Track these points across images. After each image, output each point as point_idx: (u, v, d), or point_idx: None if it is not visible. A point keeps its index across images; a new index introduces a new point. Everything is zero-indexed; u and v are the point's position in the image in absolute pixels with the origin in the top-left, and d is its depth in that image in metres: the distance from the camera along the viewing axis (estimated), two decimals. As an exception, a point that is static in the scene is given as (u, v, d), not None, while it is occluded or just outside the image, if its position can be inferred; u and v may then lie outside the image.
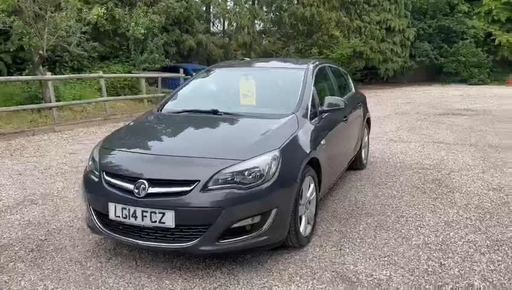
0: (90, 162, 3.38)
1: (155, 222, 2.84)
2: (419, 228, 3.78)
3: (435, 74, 29.02)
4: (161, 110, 4.13)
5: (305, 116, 3.68)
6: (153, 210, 2.84)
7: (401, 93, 21.43)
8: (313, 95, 3.95)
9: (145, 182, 2.89)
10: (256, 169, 2.91)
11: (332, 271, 3.02)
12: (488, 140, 8.16)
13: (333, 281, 2.88)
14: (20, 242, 3.55)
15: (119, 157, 3.25)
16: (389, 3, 26.22)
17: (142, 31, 15.22)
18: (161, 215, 2.82)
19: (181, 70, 15.01)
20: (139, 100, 13.83)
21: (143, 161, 3.12)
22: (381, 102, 16.31)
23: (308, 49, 24.27)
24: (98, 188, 3.11)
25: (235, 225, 2.85)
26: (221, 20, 23.72)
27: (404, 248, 3.40)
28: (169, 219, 2.82)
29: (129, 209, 2.90)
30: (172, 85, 16.06)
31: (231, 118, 3.72)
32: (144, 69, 16.04)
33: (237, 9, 21.46)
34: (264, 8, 24.21)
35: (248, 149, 3.07)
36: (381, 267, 3.07)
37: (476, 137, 8.50)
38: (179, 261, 3.17)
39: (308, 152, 3.39)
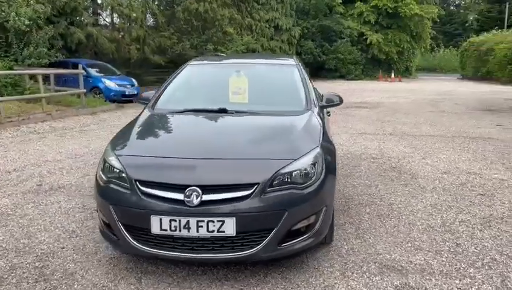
0: (107, 173, 2.93)
1: (213, 231, 2.61)
2: (414, 213, 4.08)
3: (317, 71, 31.11)
4: (153, 109, 3.77)
5: (316, 112, 3.69)
6: (210, 219, 2.59)
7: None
8: (315, 91, 3.99)
9: (197, 189, 2.62)
10: (308, 167, 2.85)
11: (375, 262, 3.10)
12: (401, 129, 9.07)
13: (383, 272, 2.96)
14: (12, 273, 2.95)
15: (154, 165, 2.89)
16: (276, 2, 27.36)
17: (27, 22, 13.58)
18: (220, 223, 2.60)
19: (80, 66, 13.72)
20: (34, 100, 12.29)
21: (186, 166, 2.81)
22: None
23: (203, 45, 24.11)
24: (131, 200, 2.73)
25: (294, 227, 2.76)
26: (111, 12, 22.22)
27: (416, 232, 3.64)
28: (229, 227, 2.60)
29: (180, 220, 2.61)
30: (68, 83, 14.63)
31: (248, 116, 3.57)
32: (29, 65, 14.30)
33: (129, 1, 20.30)
34: (156, 2, 23.36)
35: (294, 148, 2.98)
36: (412, 253, 3.25)
37: (389, 127, 9.39)
38: (220, 271, 2.95)
39: (333, 146, 3.43)
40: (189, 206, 2.60)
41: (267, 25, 27.02)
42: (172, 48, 23.39)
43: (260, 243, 2.67)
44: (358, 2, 31.07)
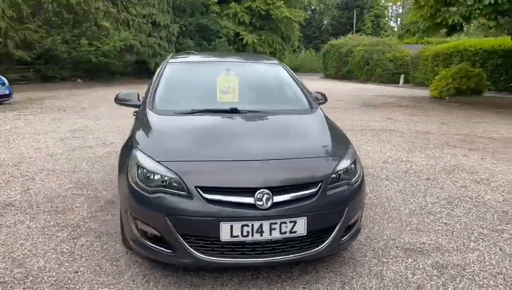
0: (150, 182, 2.65)
1: (285, 233, 2.57)
2: (391, 200, 4.50)
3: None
4: (155, 111, 3.47)
5: (321, 110, 3.82)
6: (283, 220, 2.55)
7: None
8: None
9: (267, 191, 2.55)
10: (352, 164, 2.97)
11: (397, 247, 3.37)
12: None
13: (410, 255, 3.22)
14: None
15: (210, 169, 2.69)
16: (153, -3, 26.54)
17: None
18: (292, 224, 2.57)
19: None
20: None
21: (246, 169, 2.69)
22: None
23: (75, 40, 22.22)
24: (193, 209, 2.53)
25: (350, 222, 2.87)
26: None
27: (405, 217, 4.03)
28: (301, 227, 2.60)
29: (252, 225, 2.51)
30: None
31: (263, 116, 3.53)
32: None
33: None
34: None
35: (335, 146, 3.09)
36: (417, 235, 3.61)
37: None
38: (271, 273, 2.91)
39: None
40: (262, 209, 2.52)
41: (145, 21, 26.05)
42: (40, 42, 21.06)
43: (325, 240, 2.72)
44: (233, 3, 31.87)
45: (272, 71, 4.37)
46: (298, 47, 38.31)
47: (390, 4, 63.91)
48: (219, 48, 30.41)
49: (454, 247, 3.40)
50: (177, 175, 2.60)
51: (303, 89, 4.03)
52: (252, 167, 2.71)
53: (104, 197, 4.48)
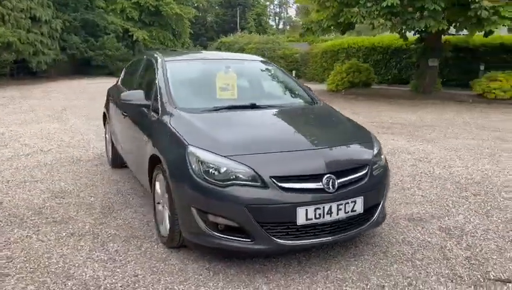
0: (221, 175, 2.76)
1: (348, 212, 2.89)
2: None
3: (84, 67, 29.19)
4: (179, 109, 3.48)
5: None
6: (346, 201, 2.87)
7: (67, 85, 20.60)
8: None
9: (333, 176, 2.84)
10: (379, 149, 3.39)
11: (409, 219, 3.85)
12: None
13: (424, 225, 3.72)
14: None
15: (277, 160, 2.87)
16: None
17: None
18: (353, 203, 2.90)
19: None
20: None
21: (308, 157, 2.93)
22: (74, 95, 15.57)
23: None
24: (271, 197, 2.70)
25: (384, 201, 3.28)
26: None
27: (396, 194, 4.61)
28: (359, 205, 2.94)
29: (323, 207, 2.78)
30: None
31: (286, 109, 3.79)
32: None
33: None
34: None
35: (362, 134, 3.45)
36: (418, 207, 4.19)
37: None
38: (313, 254, 3.20)
39: None
40: (330, 193, 2.80)
41: (23, 16, 23.57)
42: None
43: (374, 215, 3.09)
44: (119, -2, 30.53)
45: (267, 68, 4.59)
46: (189, 44, 38.12)
47: (268, 3, 66.95)
48: (107, 44, 28.92)
49: (443, 213, 4.04)
50: (251, 168, 2.74)
51: (299, 84, 4.34)
52: (312, 155, 2.96)
53: (96, 203, 4.27)
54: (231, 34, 38.84)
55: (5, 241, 3.39)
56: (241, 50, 32.01)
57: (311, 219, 2.75)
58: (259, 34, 40.46)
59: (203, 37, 56.04)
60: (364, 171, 3.02)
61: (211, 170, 2.80)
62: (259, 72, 4.53)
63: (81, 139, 7.53)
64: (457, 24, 13.00)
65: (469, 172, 5.43)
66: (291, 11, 75.10)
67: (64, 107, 12.18)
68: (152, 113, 3.69)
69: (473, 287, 2.75)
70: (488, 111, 11.68)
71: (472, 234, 3.56)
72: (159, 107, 3.59)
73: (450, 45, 16.42)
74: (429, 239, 3.45)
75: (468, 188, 4.79)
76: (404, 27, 12.83)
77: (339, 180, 2.85)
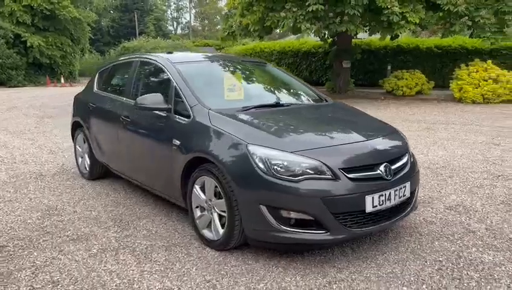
0: (291, 170, 2.82)
1: (401, 197, 3.12)
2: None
3: (-32, 77, 25.98)
4: (213, 110, 3.43)
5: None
6: (400, 186, 3.10)
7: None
8: None
9: (388, 164, 3.06)
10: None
11: (451, 210, 4.22)
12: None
13: (468, 214, 4.02)
14: None
15: (339, 152, 2.98)
16: None
17: None
18: (403, 189, 3.15)
19: None
20: None
21: (363, 148, 3.09)
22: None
23: None
24: (342, 188, 2.83)
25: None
26: None
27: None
28: (407, 190, 3.19)
29: (385, 194, 2.99)
30: None
31: (307, 106, 3.96)
32: None
33: None
34: None
35: (387, 126, 3.71)
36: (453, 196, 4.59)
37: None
38: (358, 244, 3.40)
39: None
40: (388, 180, 3.01)
41: None
42: None
43: (413, 200, 3.37)
44: (7, 0, 27.69)
45: (270, 69, 4.66)
46: (89, 50, 35.83)
47: (164, 7, 65.93)
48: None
49: (438, 195, 4.50)
50: (320, 161, 2.84)
51: (304, 83, 4.50)
52: (367, 145, 3.14)
53: (103, 217, 3.98)
54: (133, 39, 37.54)
55: (31, 265, 3.03)
56: (148, 55, 31.14)
57: (376, 206, 2.93)
58: (158, 38, 39.67)
59: (99, 42, 53.31)
60: (406, 158, 3.29)
61: (280, 167, 2.83)
62: (264, 73, 4.60)
63: (24, 154, 6.81)
64: (370, 28, 14.20)
65: (429, 159, 6.06)
66: (189, 16, 74.78)
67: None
68: (176, 116, 3.57)
69: (508, 252, 3.15)
70: (401, 106, 12.97)
71: (475, 209, 4.03)
72: (188, 109, 3.48)
73: (359, 47, 17.84)
74: (445, 217, 3.84)
75: (440, 172, 5.37)
76: (326, 31, 13.65)
77: (392, 168, 3.08)
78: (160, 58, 4.17)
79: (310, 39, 20.13)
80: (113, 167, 4.67)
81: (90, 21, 31.75)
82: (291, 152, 2.88)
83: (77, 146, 5.39)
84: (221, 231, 3.14)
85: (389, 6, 12.38)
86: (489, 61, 14.19)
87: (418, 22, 12.79)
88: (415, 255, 3.12)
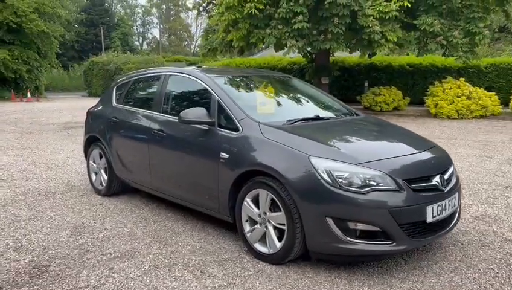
0: (354, 182, 2.86)
1: (452, 207, 3.23)
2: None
3: None
4: (263, 123, 3.44)
5: None
6: (452, 197, 3.21)
7: None
8: None
9: (442, 175, 3.16)
10: None
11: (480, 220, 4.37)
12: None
13: (497, 223, 4.21)
14: None
15: (400, 164, 3.07)
16: None
17: None
18: (454, 199, 3.25)
19: None
20: None
21: (417, 160, 3.18)
22: None
23: None
24: (407, 199, 2.90)
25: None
26: None
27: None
28: (457, 201, 3.31)
29: (442, 204, 3.08)
30: None
31: (346, 120, 4.02)
32: None
33: None
34: None
35: (425, 139, 3.82)
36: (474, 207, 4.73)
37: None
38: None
39: None
40: (443, 191, 3.11)
41: None
42: None
43: (458, 210, 3.47)
44: (-29, 12, 26.66)
45: (296, 83, 4.72)
46: (56, 64, 34.79)
47: (132, 23, 65.27)
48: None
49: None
50: (386, 173, 2.90)
51: (332, 97, 4.58)
52: (422, 157, 3.25)
53: (138, 233, 3.88)
54: (101, 53, 36.88)
55: (86, 285, 2.90)
56: (119, 70, 30.68)
57: (435, 216, 3.02)
58: (128, 53, 39.18)
59: (63, 56, 51.99)
60: (452, 170, 3.41)
61: (344, 179, 2.87)
62: (291, 86, 4.65)
63: (20, 171, 6.52)
64: (352, 46, 14.63)
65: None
66: (155, 32, 74.36)
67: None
68: (222, 130, 3.55)
69: (552, 257, 3.31)
70: (385, 121, 13.35)
71: (501, 219, 4.21)
72: (236, 123, 3.48)
73: (337, 65, 18.31)
74: (477, 227, 3.99)
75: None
76: (309, 48, 13.95)
77: (445, 178, 3.18)
78: (195, 72, 4.16)
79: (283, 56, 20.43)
80: (139, 182, 4.56)
81: (58, 35, 30.94)
82: (356, 164, 2.93)
83: (91, 162, 5.22)
84: (278, 244, 3.13)
85: (370, 25, 12.81)
86: (462, 78, 14.93)
87: (396, 40, 13.29)
88: (466, 264, 3.21)
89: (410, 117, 14.61)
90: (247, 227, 3.37)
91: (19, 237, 3.78)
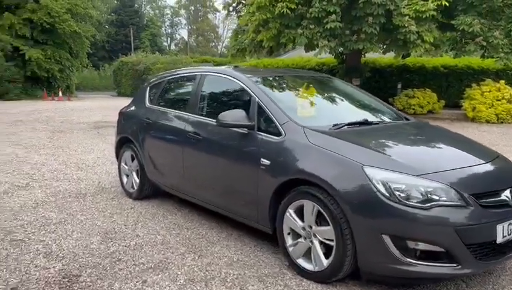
0: (412, 197, 2.56)
1: (516, 224, 2.87)
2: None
3: (-36, 90, 25.41)
4: (308, 127, 3.17)
5: None
6: (518, 214, 2.85)
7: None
8: None
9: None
10: None
11: None
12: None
13: None
14: None
15: (466, 176, 2.74)
16: None
17: None
18: (520, 215, 2.90)
19: None
20: None
21: (483, 172, 2.87)
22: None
23: None
24: (474, 216, 2.58)
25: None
26: None
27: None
28: (523, 217, 2.95)
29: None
30: None
31: (399, 125, 3.72)
32: None
33: None
34: None
35: (485, 147, 3.47)
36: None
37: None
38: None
39: None
40: None
41: None
42: None
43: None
44: (7, 13, 27.31)
45: (338, 84, 4.44)
46: (87, 64, 35.40)
47: (161, 24, 66.01)
48: (-5, 63, 25.58)
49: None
50: (450, 186, 2.59)
51: (378, 100, 4.27)
52: (488, 169, 2.92)
53: (171, 242, 3.67)
54: (130, 54, 37.32)
55: (119, 299, 2.70)
56: (148, 70, 30.92)
57: (506, 236, 2.68)
58: (154, 53, 39.39)
59: (94, 56, 53.01)
60: None
61: (403, 192, 2.57)
62: (333, 88, 4.35)
63: (51, 171, 6.45)
64: (386, 46, 14.17)
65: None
66: (183, 32, 74.99)
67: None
68: (262, 134, 3.30)
69: None
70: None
71: None
72: (278, 127, 3.22)
73: (368, 66, 17.84)
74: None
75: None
76: (341, 48, 13.58)
77: None
78: (232, 71, 3.93)
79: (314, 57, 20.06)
80: (171, 186, 4.37)
81: (89, 35, 31.43)
82: (416, 175, 2.63)
83: (122, 164, 5.07)
84: (324, 261, 2.85)
85: (406, 25, 12.34)
86: (502, 81, 14.24)
87: (432, 41, 12.78)
88: (535, 287, 2.86)
89: (446, 121, 14.02)
90: (289, 240, 3.11)
91: (49, 242, 3.63)
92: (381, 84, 18.80)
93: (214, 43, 74.53)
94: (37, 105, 21.64)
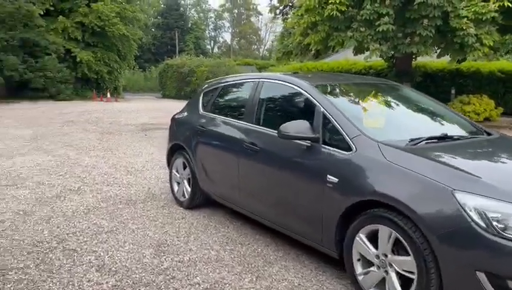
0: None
1: None
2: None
3: (20, 90, 26.59)
4: (382, 142, 2.86)
5: None
6: None
7: (15, 113, 18.46)
8: None
9: None
10: None
11: None
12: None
13: None
14: None
15: None
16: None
17: None
18: None
19: None
20: None
21: None
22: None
23: None
24: None
25: None
26: None
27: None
28: None
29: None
30: None
31: (483, 140, 3.35)
32: None
33: None
34: None
35: None
36: None
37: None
38: None
39: None
40: None
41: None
42: None
43: None
44: (61, 17, 28.42)
45: (406, 92, 4.09)
46: (134, 66, 36.34)
47: (205, 27, 66.91)
48: (48, 65, 26.63)
49: None
50: None
51: (452, 111, 3.90)
52: None
53: (226, 258, 3.45)
54: (175, 56, 37.91)
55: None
56: (192, 72, 31.28)
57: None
58: (198, 56, 39.75)
59: (140, 58, 54.38)
60: None
61: (501, 222, 2.23)
62: (401, 96, 4.00)
63: (101, 174, 6.43)
64: (441, 50, 13.48)
65: None
66: (226, 35, 75.70)
67: (34, 137, 10.63)
68: (329, 147, 3.02)
69: None
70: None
71: None
72: (348, 140, 2.94)
73: (420, 70, 17.12)
74: None
75: None
76: (393, 52, 13.04)
77: None
78: (293, 78, 3.67)
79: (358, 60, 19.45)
80: (224, 196, 4.18)
81: (136, 38, 32.20)
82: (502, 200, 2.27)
83: (174, 171, 4.93)
84: (407, 295, 2.53)
85: (464, 28, 11.67)
86: None
87: (492, 44, 12.02)
88: None
89: (506, 129, 13.15)
90: (359, 268, 2.81)
91: (101, 254, 3.51)
92: (433, 89, 17.96)
93: (256, 46, 74.72)
94: (86, 106, 22.30)
